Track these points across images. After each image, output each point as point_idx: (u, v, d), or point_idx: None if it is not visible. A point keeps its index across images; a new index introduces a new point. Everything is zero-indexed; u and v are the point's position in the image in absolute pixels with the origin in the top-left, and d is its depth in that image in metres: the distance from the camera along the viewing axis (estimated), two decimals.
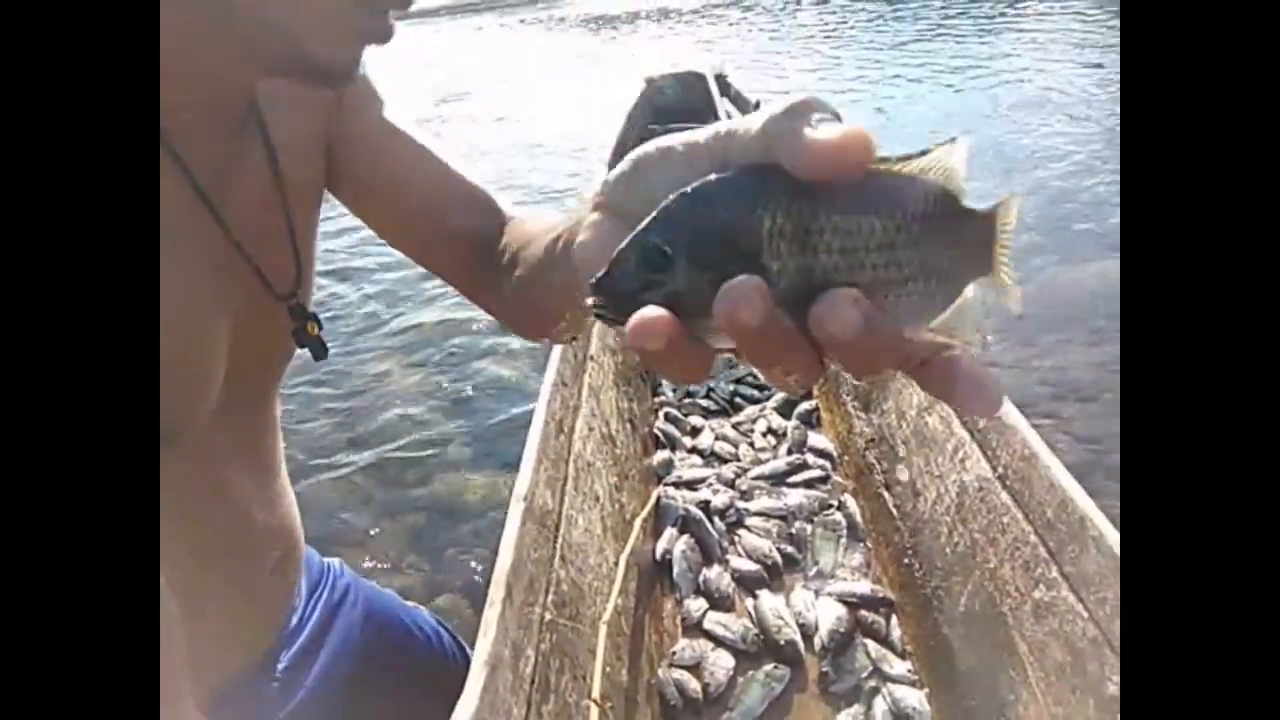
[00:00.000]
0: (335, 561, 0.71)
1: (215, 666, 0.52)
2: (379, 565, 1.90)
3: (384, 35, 0.36)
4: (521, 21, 26.20)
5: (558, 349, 1.47)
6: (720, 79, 4.64)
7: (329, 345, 0.49)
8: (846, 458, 1.75)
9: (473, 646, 0.79)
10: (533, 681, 0.89)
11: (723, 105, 4.33)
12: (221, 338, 0.41)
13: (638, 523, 1.41)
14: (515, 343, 3.05)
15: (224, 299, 0.41)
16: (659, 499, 1.61)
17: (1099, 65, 6.94)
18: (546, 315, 0.48)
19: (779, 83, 8.25)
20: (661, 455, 1.80)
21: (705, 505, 1.61)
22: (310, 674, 0.60)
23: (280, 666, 0.57)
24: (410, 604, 0.83)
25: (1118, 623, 0.85)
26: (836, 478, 1.71)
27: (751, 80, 5.79)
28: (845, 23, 13.00)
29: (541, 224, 0.50)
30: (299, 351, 0.53)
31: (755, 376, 2.14)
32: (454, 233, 0.52)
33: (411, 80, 9.89)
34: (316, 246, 0.51)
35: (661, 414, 1.95)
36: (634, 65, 12.25)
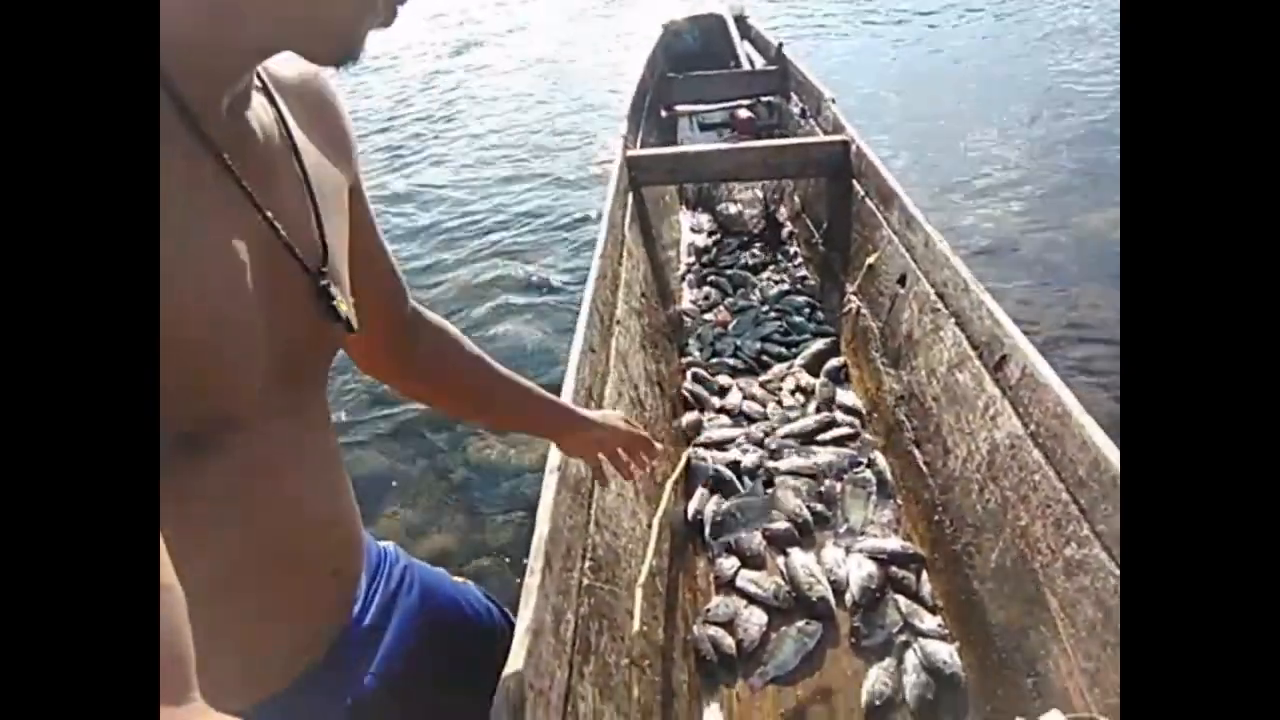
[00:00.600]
0: (389, 545, 0.73)
1: (279, 665, 0.54)
2: (415, 534, 1.96)
3: (389, 20, 0.40)
4: None
5: (584, 317, 1.48)
6: (740, 20, 4.49)
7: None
8: (876, 415, 1.75)
9: (516, 614, 0.82)
10: (574, 645, 0.93)
11: (743, 48, 4.20)
12: (260, 308, 0.42)
13: (669, 485, 1.44)
14: (541, 308, 3.06)
15: (261, 273, 0.42)
16: (689, 460, 1.63)
17: None
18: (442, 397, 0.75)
19: (800, 20, 7.93)
20: (690, 416, 1.81)
21: (735, 465, 1.63)
22: (374, 662, 0.62)
23: (344, 658, 0.59)
24: (459, 580, 0.85)
25: None
26: (866, 435, 1.71)
27: (771, 18, 5.57)
28: None
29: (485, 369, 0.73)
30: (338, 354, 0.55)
31: (782, 334, 2.13)
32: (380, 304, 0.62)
33: (427, 32, 9.68)
34: (344, 247, 0.52)
35: (689, 375, 1.96)
36: (649, 5, 11.90)
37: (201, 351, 0.38)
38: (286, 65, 0.48)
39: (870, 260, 1.96)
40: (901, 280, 1.75)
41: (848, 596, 1.32)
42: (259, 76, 0.44)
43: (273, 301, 0.42)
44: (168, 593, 0.29)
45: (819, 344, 2.02)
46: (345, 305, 0.48)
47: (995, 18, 6.75)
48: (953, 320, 1.47)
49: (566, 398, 1.24)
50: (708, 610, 1.34)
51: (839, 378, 1.90)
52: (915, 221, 1.73)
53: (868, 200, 2.06)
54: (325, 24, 0.38)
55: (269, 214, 0.42)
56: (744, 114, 3.48)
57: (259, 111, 0.43)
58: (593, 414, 0.85)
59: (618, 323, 1.71)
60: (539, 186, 4.55)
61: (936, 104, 4.75)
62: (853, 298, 2.04)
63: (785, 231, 2.82)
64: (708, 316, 2.31)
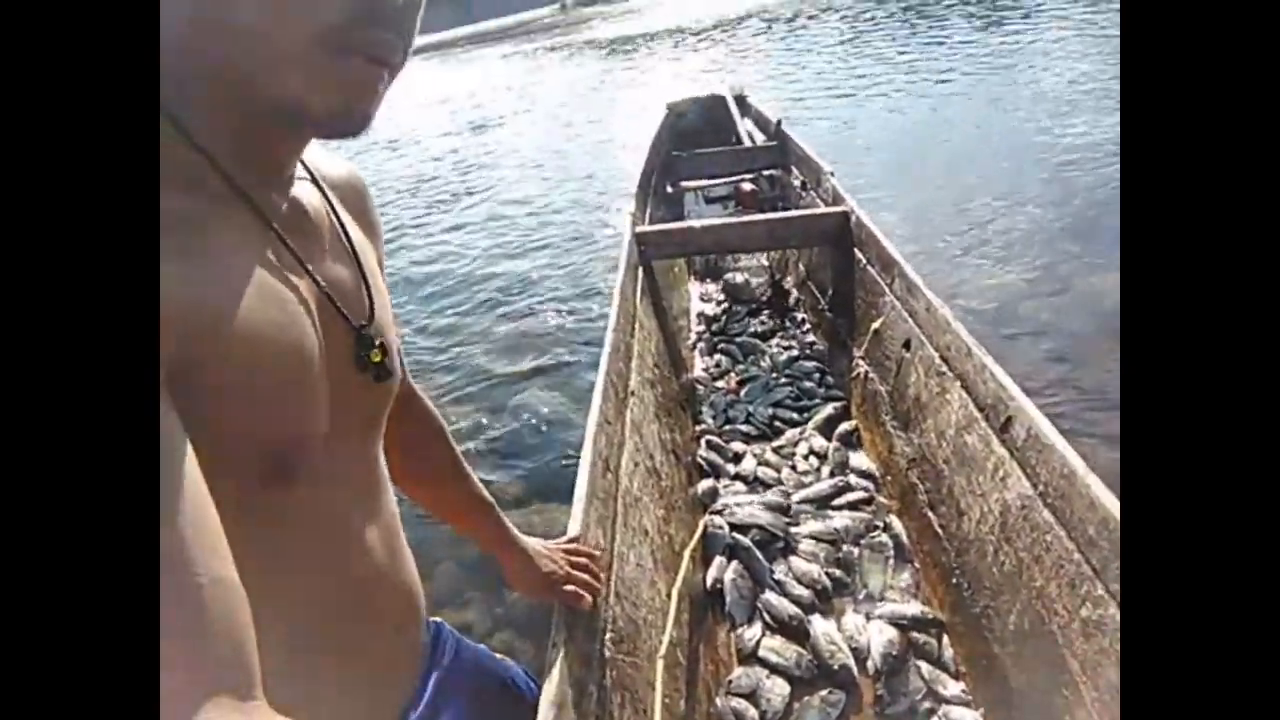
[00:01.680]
0: (438, 620, 0.75)
1: None
2: (437, 605, 1.97)
3: (364, 82, 0.39)
4: (539, 49, 26.72)
5: (599, 390, 1.53)
6: (740, 100, 4.70)
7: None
8: (889, 478, 1.77)
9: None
10: (597, 718, 0.94)
11: (744, 125, 4.39)
12: (315, 363, 0.45)
13: (687, 553, 1.45)
14: (556, 381, 3.13)
15: (315, 327, 0.46)
16: (706, 528, 1.65)
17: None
18: (414, 481, 0.77)
19: (797, 99, 8.28)
20: (706, 484, 1.84)
21: (752, 531, 1.64)
22: None
23: None
24: (500, 656, 0.87)
25: None
26: (880, 498, 1.73)
27: (768, 97, 5.82)
28: (859, 34, 13.00)
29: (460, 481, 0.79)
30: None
31: (794, 400, 2.17)
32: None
33: (442, 109, 10.19)
34: (390, 312, 0.58)
35: (703, 442, 2.00)
36: (652, 81, 12.45)
37: (271, 384, 0.42)
38: (329, 163, 0.55)
39: (875, 325, 2.01)
40: (906, 345, 1.80)
41: (870, 664, 1.32)
42: (308, 170, 0.51)
43: (328, 355, 0.47)
44: (226, 588, 0.32)
45: (829, 408, 2.06)
46: (384, 358, 0.52)
47: (983, 89, 7.01)
48: (958, 383, 1.51)
49: (584, 469, 1.27)
50: (730, 681, 1.34)
51: (851, 441, 1.93)
52: (916, 288, 1.79)
53: (870, 268, 2.13)
54: (277, 96, 0.39)
55: (320, 279, 0.47)
56: (747, 187, 3.62)
57: (310, 197, 0.50)
58: (531, 542, 0.87)
59: (632, 394, 1.76)
60: (552, 260, 4.70)
61: (931, 172, 4.90)
62: (860, 362, 2.09)
63: (792, 299, 2.90)
64: (719, 384, 2.36)
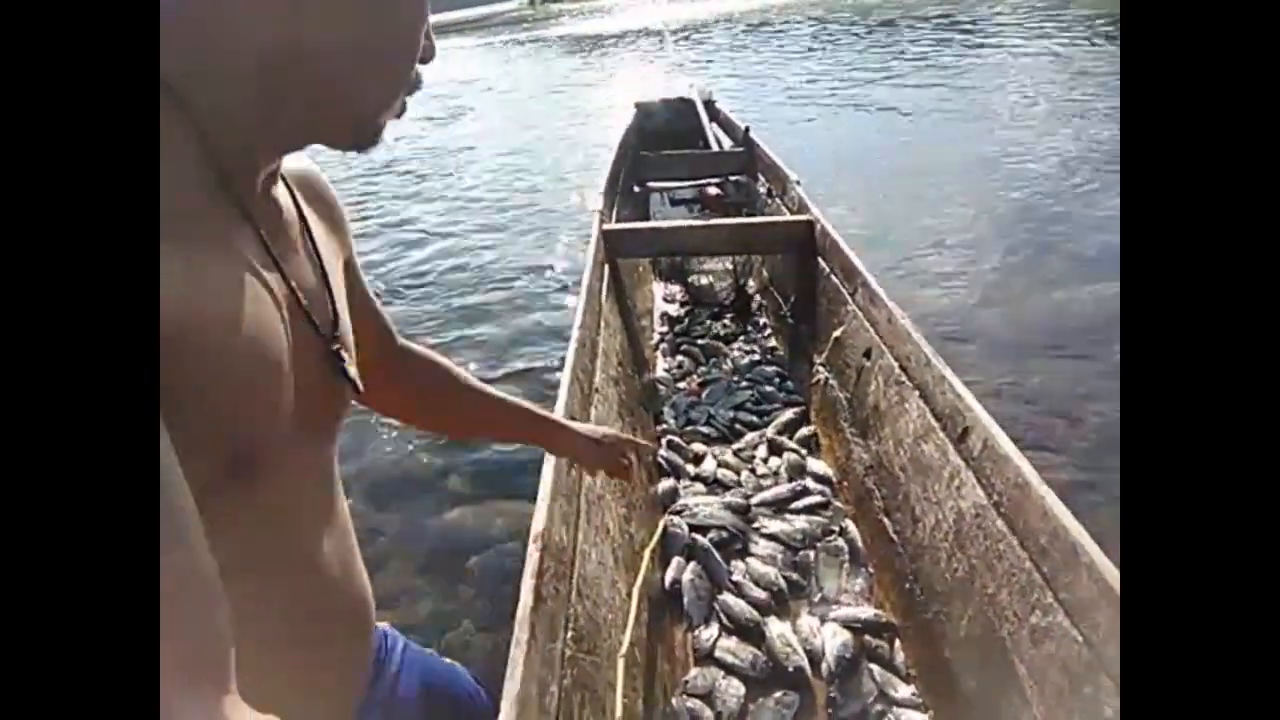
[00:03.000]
0: (385, 625, 0.74)
1: None
2: (388, 604, 1.92)
3: (400, 111, 0.48)
4: (505, 42, 26.43)
5: (565, 386, 1.52)
6: (709, 104, 4.73)
7: None
8: (846, 483, 1.81)
9: (498, 689, 0.83)
10: (557, 717, 0.93)
11: (711, 130, 4.42)
12: (285, 364, 0.46)
13: (647, 553, 1.45)
14: (521, 378, 3.09)
15: (285, 331, 0.46)
16: (666, 528, 1.65)
17: (1089, 88, 7.11)
18: (448, 421, 0.84)
19: (763, 106, 8.38)
20: (666, 484, 1.84)
21: (711, 532, 1.65)
22: None
23: None
24: (449, 661, 0.86)
25: (1112, 648, 0.91)
26: (837, 503, 1.76)
27: (735, 103, 5.88)
28: (824, 45, 13.26)
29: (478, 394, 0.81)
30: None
31: (754, 403, 2.20)
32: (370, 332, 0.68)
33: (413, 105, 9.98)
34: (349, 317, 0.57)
35: (664, 442, 2.00)
36: (620, 80, 12.48)
37: (241, 381, 0.42)
38: (289, 161, 0.54)
39: (837, 334, 2.05)
40: (867, 354, 1.84)
41: (823, 666, 1.34)
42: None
43: (294, 357, 0.46)
44: (206, 580, 0.32)
45: (789, 413, 2.09)
46: (353, 368, 0.53)
47: (943, 103, 7.22)
48: (917, 393, 1.54)
49: (549, 465, 1.26)
50: (686, 682, 1.34)
51: (810, 446, 1.96)
52: (878, 298, 1.83)
53: (833, 276, 2.17)
54: (356, 113, 0.45)
55: (292, 283, 0.47)
56: (713, 191, 3.64)
57: (283, 197, 0.50)
58: (581, 426, 0.94)
59: (596, 391, 1.75)
60: (516, 253, 4.65)
61: (892, 184, 5.03)
62: (821, 369, 2.12)
63: (754, 304, 2.93)
64: (681, 385, 2.37)
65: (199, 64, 0.40)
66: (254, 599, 0.47)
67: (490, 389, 0.84)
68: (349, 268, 0.61)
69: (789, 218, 2.67)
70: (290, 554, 0.51)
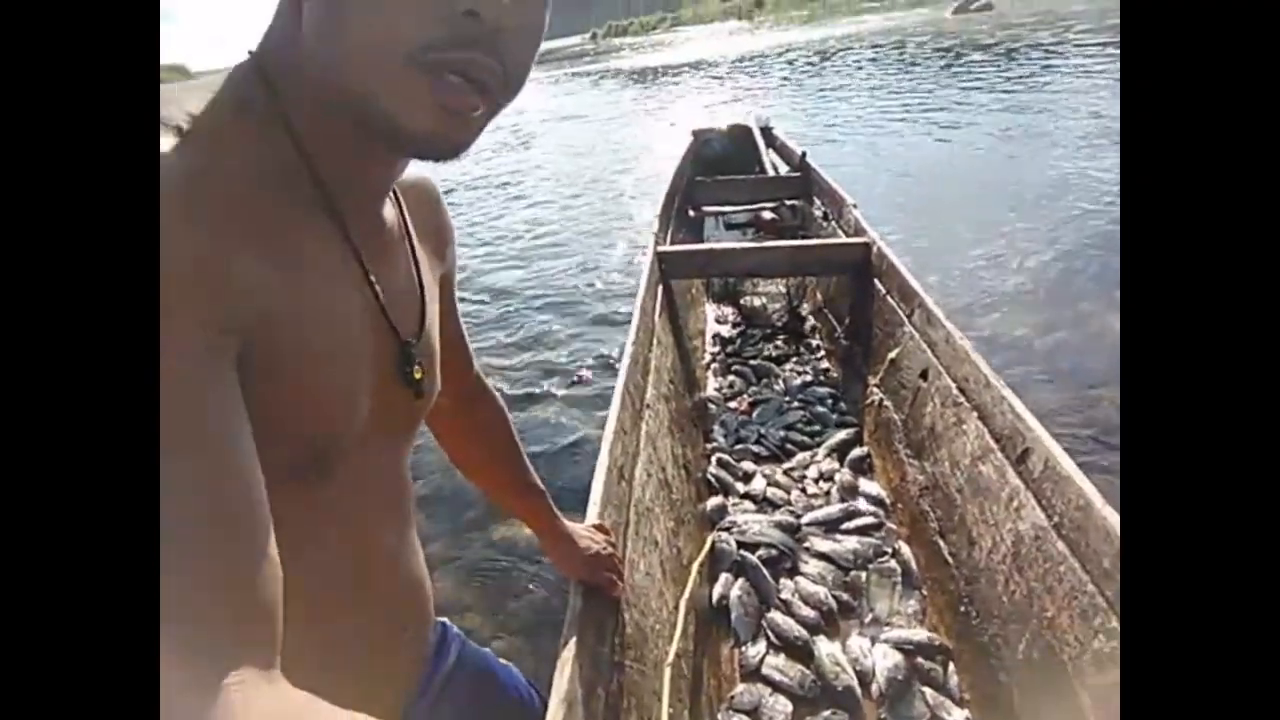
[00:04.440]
0: (445, 620, 0.76)
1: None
2: (444, 606, 1.97)
3: (455, 103, 0.39)
4: (569, 75, 27.19)
5: (616, 400, 1.54)
6: (766, 131, 4.78)
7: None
8: (900, 505, 1.77)
9: (550, 692, 0.84)
10: None
11: (768, 156, 4.45)
12: (361, 367, 0.48)
13: (694, 567, 1.45)
14: (574, 392, 3.15)
15: (367, 333, 0.48)
16: (714, 544, 1.65)
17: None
18: (473, 463, 0.84)
19: (821, 134, 8.38)
20: (715, 501, 1.84)
21: (760, 550, 1.64)
22: None
23: None
24: (504, 662, 0.88)
25: None
26: (890, 525, 1.73)
27: (793, 130, 5.90)
28: (883, 74, 13.18)
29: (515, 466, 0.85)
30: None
31: (806, 423, 2.18)
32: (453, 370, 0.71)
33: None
34: (437, 327, 0.60)
35: (714, 460, 2.00)
36: (678, 109, 12.69)
37: (322, 384, 0.44)
38: (406, 171, 0.57)
39: (892, 355, 2.02)
40: (923, 374, 1.81)
41: (874, 687, 1.31)
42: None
43: (371, 362, 0.49)
44: (269, 562, 0.34)
45: (842, 434, 2.06)
46: (424, 376, 0.54)
47: (1004, 130, 7.08)
48: (975, 414, 1.51)
49: (600, 475, 1.29)
50: (732, 697, 1.33)
51: (862, 467, 1.93)
52: (936, 318, 1.80)
53: (889, 298, 2.15)
54: (370, 90, 0.39)
55: (380, 293, 0.49)
56: (769, 215, 3.66)
57: (388, 211, 0.52)
58: (573, 526, 0.94)
59: (647, 406, 1.78)
60: (574, 274, 4.75)
61: (952, 210, 4.94)
62: (875, 390, 2.09)
63: (808, 325, 2.92)
64: (732, 404, 2.37)
65: (293, 75, 0.42)
66: (318, 587, 0.50)
67: (526, 463, 0.86)
68: (445, 283, 0.64)
69: (845, 240, 2.66)
70: (357, 547, 0.54)
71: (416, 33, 0.37)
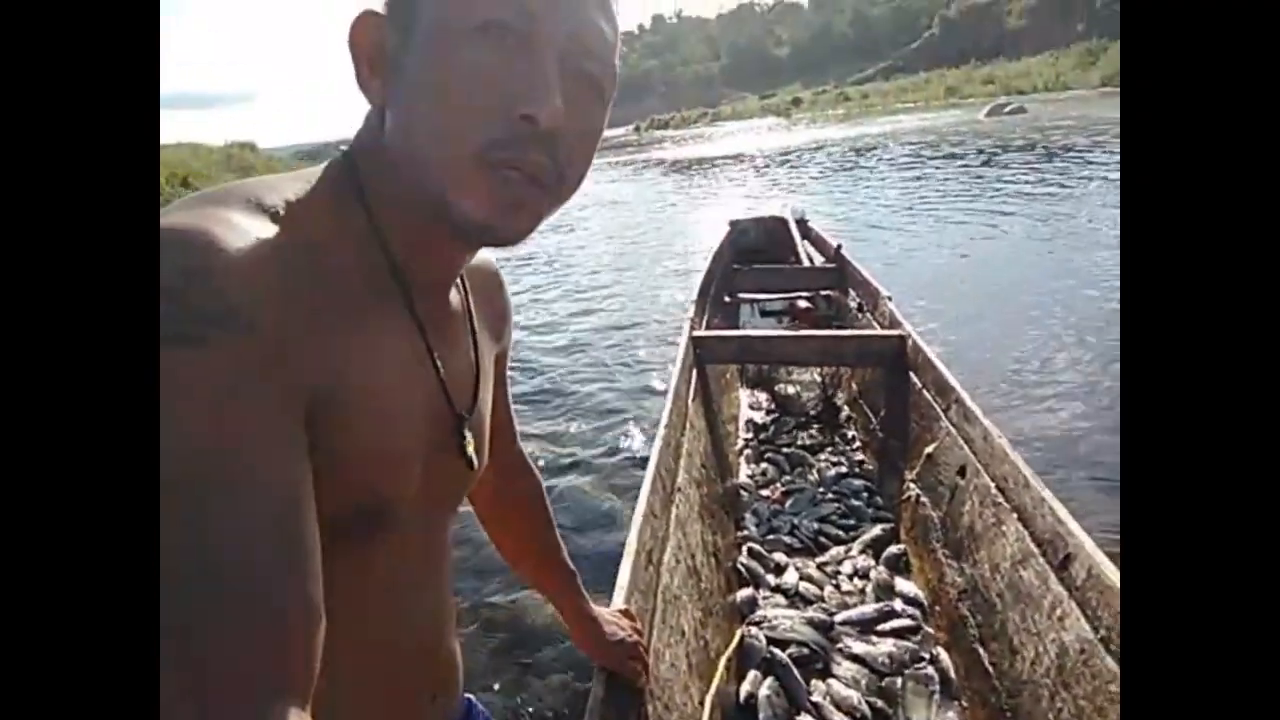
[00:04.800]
0: (470, 696, 0.76)
1: None
2: (470, 680, 1.93)
3: (514, 195, 0.43)
4: (612, 164, 28.42)
5: (647, 483, 1.54)
6: (801, 222, 4.90)
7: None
8: (938, 607, 1.71)
9: None
10: None
11: (804, 247, 4.55)
12: (415, 435, 0.50)
13: (722, 661, 1.41)
14: (604, 469, 3.15)
15: (424, 405, 0.51)
16: (743, 638, 1.60)
17: None
18: (507, 538, 0.85)
19: (856, 228, 8.55)
20: (745, 593, 1.80)
21: (791, 647, 1.59)
22: None
23: None
24: None
25: None
26: (928, 628, 1.66)
27: (828, 223, 6.04)
28: (919, 172, 13.50)
29: (552, 552, 0.86)
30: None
31: (840, 516, 2.14)
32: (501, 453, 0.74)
33: None
34: (489, 404, 0.63)
35: (745, 549, 1.97)
36: (716, 199, 13.10)
37: (377, 450, 0.46)
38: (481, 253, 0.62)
39: (929, 450, 2.00)
40: (961, 471, 1.78)
41: None
42: None
43: (425, 431, 0.51)
44: (315, 612, 0.36)
45: (877, 529, 2.02)
46: (475, 448, 0.57)
47: (1042, 230, 7.13)
48: (1014, 515, 1.48)
49: (628, 559, 1.28)
50: None
51: (898, 566, 1.87)
52: (973, 415, 1.79)
53: (925, 392, 2.14)
54: (434, 178, 0.43)
55: (441, 370, 0.52)
56: (804, 304, 3.71)
57: (453, 295, 0.57)
58: (600, 610, 0.94)
59: (678, 490, 1.77)
60: (611, 352, 4.83)
61: (988, 306, 4.94)
62: (911, 485, 2.05)
63: (843, 416, 2.90)
64: (764, 492, 2.35)
65: (377, 172, 0.47)
66: (352, 647, 0.50)
67: (559, 542, 0.87)
68: (499, 361, 0.68)
69: (881, 332, 2.68)
70: (395, 611, 0.55)
71: (480, 135, 0.41)
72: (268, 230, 0.40)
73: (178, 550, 0.32)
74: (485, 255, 0.64)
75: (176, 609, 0.32)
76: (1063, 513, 1.32)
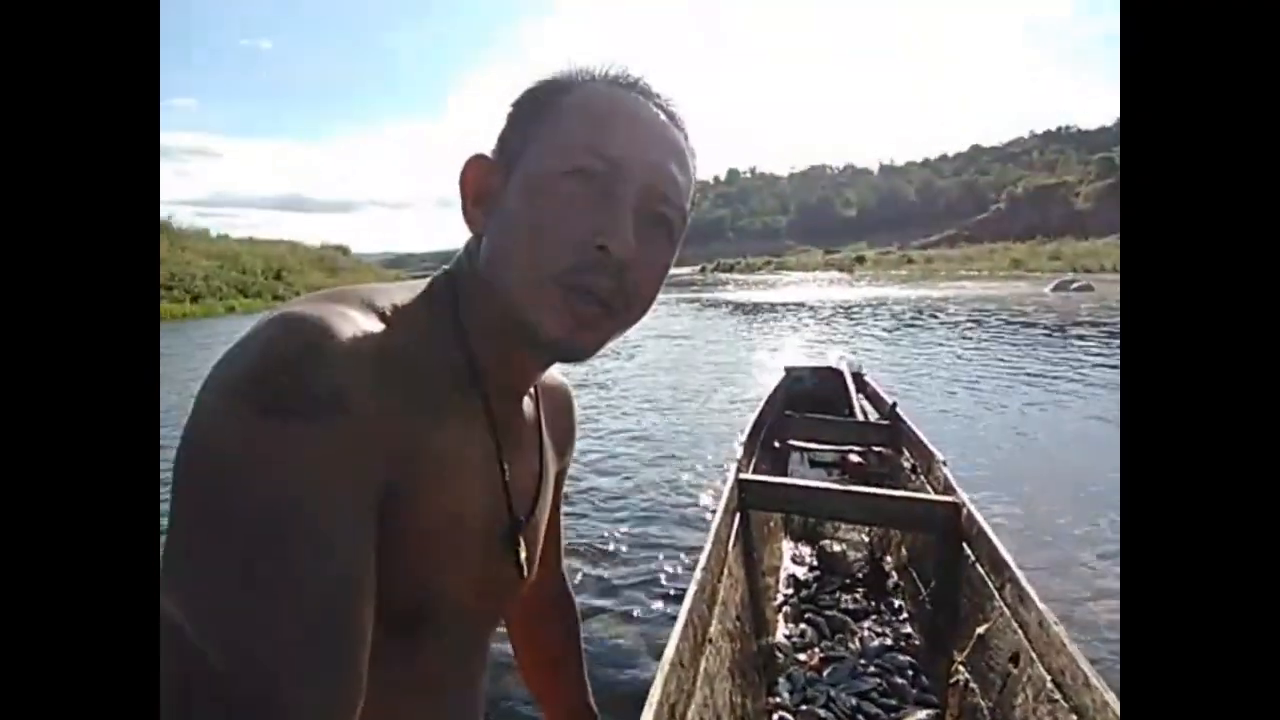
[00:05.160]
0: None
1: None
2: None
3: (584, 315, 0.48)
4: (676, 300, 29.42)
5: (679, 629, 1.49)
6: (857, 376, 4.92)
7: None
8: None
9: None
10: None
11: (858, 400, 4.53)
12: (473, 537, 0.52)
13: None
14: (632, 608, 3.03)
15: (486, 510, 0.54)
16: None
17: None
18: (535, 664, 0.84)
19: (913, 384, 8.50)
20: None
21: None
22: None
23: None
24: None
25: None
26: None
27: (882, 378, 6.03)
28: (977, 338, 13.50)
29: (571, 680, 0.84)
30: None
31: (881, 693, 1.99)
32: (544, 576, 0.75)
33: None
34: (546, 515, 0.65)
35: (775, 718, 1.83)
36: (773, 344, 13.27)
37: (436, 544, 0.49)
38: (547, 374, 0.67)
39: (980, 630, 1.87)
40: (1014, 659, 1.65)
41: None
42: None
43: (487, 530, 0.54)
44: (358, 682, 0.38)
45: (923, 714, 1.86)
46: (526, 557, 0.59)
47: (1108, 406, 6.92)
48: (1074, 717, 1.35)
49: (650, 709, 1.21)
50: None
51: None
52: (1029, 598, 1.68)
53: (978, 566, 2.03)
54: (513, 303, 0.49)
55: (507, 474, 0.56)
56: (854, 459, 3.64)
57: (527, 406, 0.61)
58: None
59: (710, 642, 1.69)
60: (655, 483, 4.77)
61: (1047, 483, 4.74)
62: (960, 669, 1.91)
63: (890, 582, 2.76)
64: (801, 656, 2.21)
65: (472, 289, 0.53)
66: None
67: (586, 680, 0.86)
68: (559, 478, 0.71)
69: (934, 497, 2.60)
70: (427, 713, 0.55)
71: (561, 261, 0.47)
72: (374, 327, 0.46)
73: (243, 599, 0.36)
74: (559, 377, 0.70)
75: (227, 656, 0.35)
76: None
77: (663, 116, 0.52)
